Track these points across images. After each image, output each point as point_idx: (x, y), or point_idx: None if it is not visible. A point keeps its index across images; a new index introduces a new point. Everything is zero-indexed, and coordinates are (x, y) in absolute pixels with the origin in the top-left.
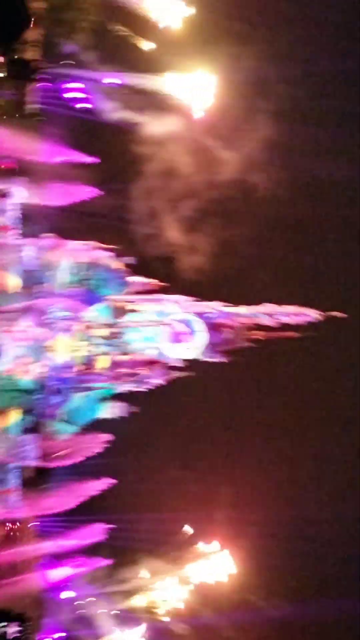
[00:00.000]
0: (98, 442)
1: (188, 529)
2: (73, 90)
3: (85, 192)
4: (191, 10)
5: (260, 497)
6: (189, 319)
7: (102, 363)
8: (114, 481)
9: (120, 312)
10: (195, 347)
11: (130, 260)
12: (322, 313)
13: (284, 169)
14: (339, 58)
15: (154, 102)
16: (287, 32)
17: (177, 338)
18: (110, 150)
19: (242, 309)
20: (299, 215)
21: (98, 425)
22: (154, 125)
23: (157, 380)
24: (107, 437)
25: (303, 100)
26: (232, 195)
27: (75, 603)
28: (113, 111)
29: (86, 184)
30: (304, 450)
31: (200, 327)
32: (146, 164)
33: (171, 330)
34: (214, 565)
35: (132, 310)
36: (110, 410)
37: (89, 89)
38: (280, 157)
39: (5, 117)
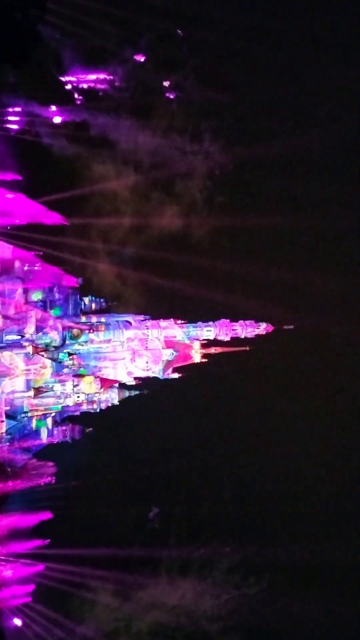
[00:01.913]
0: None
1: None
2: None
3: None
4: None
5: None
6: (144, 337)
7: (57, 385)
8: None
9: (74, 332)
10: (151, 365)
11: (80, 280)
12: (273, 326)
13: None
14: None
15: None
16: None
17: (132, 357)
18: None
19: (197, 325)
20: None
21: (52, 449)
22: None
23: (112, 400)
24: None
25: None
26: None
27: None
28: (57, 144)
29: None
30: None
31: (156, 344)
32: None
33: (127, 349)
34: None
35: (87, 330)
36: (64, 433)
37: (33, 119)
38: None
39: None
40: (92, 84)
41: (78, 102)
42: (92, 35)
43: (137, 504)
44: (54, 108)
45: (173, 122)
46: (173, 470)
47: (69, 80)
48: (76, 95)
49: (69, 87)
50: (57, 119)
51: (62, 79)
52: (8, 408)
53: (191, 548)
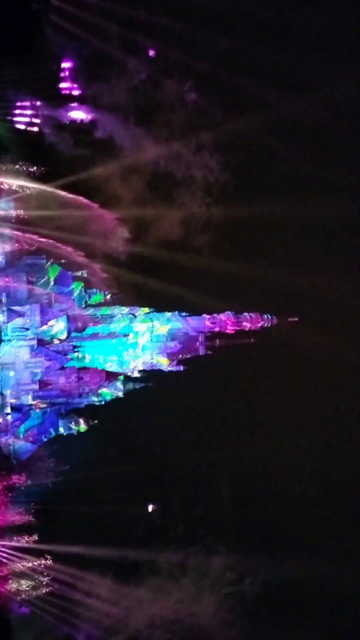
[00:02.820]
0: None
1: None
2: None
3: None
4: None
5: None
6: (149, 330)
7: (62, 378)
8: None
9: (79, 325)
10: (155, 357)
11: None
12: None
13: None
14: None
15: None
16: None
17: (137, 349)
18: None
19: (201, 317)
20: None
21: (57, 442)
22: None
23: (116, 392)
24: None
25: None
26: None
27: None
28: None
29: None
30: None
31: (160, 337)
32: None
33: (131, 342)
34: None
35: (92, 323)
36: (69, 426)
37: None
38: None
39: None
40: (95, 83)
41: (80, 101)
42: (96, 34)
43: (138, 498)
44: (57, 105)
45: (174, 123)
46: (175, 463)
47: (69, 76)
48: (78, 92)
49: (70, 84)
50: (60, 116)
51: (64, 75)
52: (14, 401)
53: (190, 545)
